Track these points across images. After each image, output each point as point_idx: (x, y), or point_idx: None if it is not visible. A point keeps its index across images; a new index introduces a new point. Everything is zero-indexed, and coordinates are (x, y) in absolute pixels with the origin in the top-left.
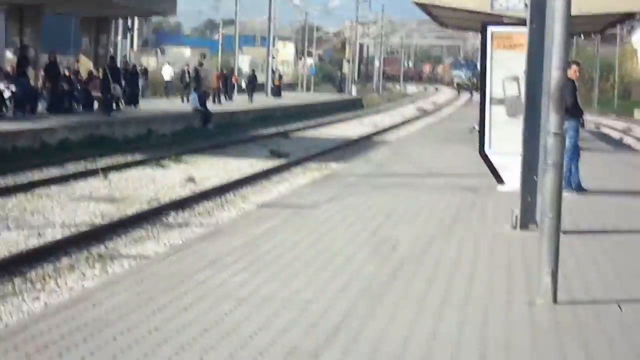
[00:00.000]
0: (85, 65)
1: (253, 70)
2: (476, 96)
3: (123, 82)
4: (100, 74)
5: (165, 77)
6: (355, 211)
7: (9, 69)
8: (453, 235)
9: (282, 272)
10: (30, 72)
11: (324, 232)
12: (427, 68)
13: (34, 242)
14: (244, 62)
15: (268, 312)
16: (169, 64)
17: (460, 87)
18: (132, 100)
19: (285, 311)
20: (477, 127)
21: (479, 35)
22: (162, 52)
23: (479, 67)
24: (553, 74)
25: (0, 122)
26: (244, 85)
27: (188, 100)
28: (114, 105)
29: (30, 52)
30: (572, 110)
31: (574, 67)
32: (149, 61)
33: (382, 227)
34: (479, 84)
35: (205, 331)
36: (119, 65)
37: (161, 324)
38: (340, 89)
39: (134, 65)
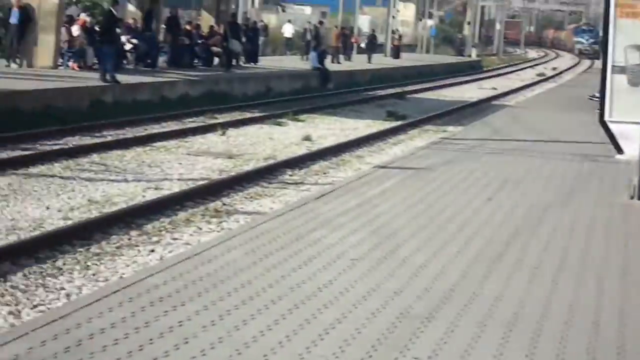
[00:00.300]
0: (207, 20)
1: (373, 30)
2: (597, 63)
3: (243, 39)
4: (221, 30)
5: (285, 35)
6: (471, 176)
7: (130, 21)
8: (570, 203)
9: (396, 234)
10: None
11: (439, 195)
12: (549, 33)
13: (151, 195)
14: (364, 22)
15: (381, 274)
16: (289, 22)
17: (581, 54)
18: (252, 57)
19: (398, 274)
20: (597, 95)
21: (602, 2)
22: (283, 9)
23: (601, 34)
24: None
25: (121, 75)
26: (363, 45)
27: (307, 58)
28: (234, 61)
29: (155, 6)
30: None
31: None
32: (270, 19)
33: (499, 192)
34: (601, 51)
35: (318, 290)
36: (239, 21)
37: (275, 281)
38: (460, 52)
39: (255, 22)
